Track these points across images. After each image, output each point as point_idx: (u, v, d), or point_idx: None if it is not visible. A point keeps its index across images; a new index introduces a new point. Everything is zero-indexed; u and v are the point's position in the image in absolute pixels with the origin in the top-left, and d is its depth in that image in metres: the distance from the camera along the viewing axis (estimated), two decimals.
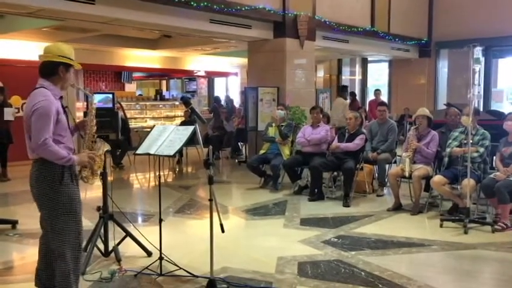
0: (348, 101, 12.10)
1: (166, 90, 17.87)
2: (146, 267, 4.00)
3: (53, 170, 3.02)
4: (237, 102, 14.69)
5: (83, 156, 3.20)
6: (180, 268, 3.94)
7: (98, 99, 8.69)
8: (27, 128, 3.03)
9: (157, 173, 8.86)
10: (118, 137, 9.50)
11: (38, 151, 2.97)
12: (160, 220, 4.05)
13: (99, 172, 3.39)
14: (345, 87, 12.92)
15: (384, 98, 14.44)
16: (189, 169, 10.33)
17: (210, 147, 3.80)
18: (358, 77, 16.28)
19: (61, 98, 3.16)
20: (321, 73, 16.15)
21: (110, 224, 4.36)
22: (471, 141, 5.53)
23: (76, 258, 3.14)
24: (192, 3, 8.09)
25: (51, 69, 3.11)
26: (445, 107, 9.25)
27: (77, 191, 3.16)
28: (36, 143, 2.94)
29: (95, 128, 3.37)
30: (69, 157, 3.04)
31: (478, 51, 5.50)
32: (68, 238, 3.08)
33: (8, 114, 8.37)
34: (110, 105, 9.34)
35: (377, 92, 13.33)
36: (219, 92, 18.28)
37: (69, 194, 3.07)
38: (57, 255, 3.08)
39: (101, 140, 3.41)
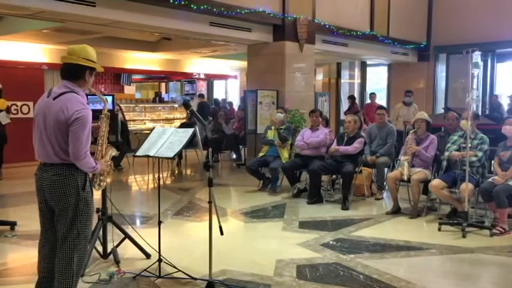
0: (402, 105, 10.15)
1: (166, 92, 17.88)
2: (145, 270, 3.99)
3: (77, 176, 3.00)
4: (236, 104, 14.70)
5: (103, 165, 3.21)
6: (179, 270, 3.94)
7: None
8: (53, 132, 2.94)
9: (156, 175, 8.86)
10: (118, 139, 9.48)
11: (77, 161, 2.93)
12: (159, 222, 4.05)
13: (107, 179, 3.34)
14: (408, 92, 10.26)
15: (383, 101, 14.44)
16: (188, 171, 10.33)
17: (210, 149, 3.81)
18: (357, 80, 16.29)
19: None
20: (320, 76, 16.17)
21: (109, 226, 4.37)
22: (470, 145, 5.55)
23: (81, 261, 3.13)
24: (192, 6, 8.11)
25: (78, 73, 3.05)
26: (443, 111, 9.25)
27: (93, 197, 3.17)
28: (78, 153, 2.90)
29: (107, 134, 3.31)
30: (96, 166, 3.06)
31: (476, 56, 5.51)
32: (80, 243, 3.07)
33: (3, 118, 8.37)
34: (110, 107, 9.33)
35: (372, 95, 13.00)
36: (219, 94, 18.32)
37: (88, 200, 3.07)
38: (64, 258, 3.03)
39: (108, 145, 3.37)
